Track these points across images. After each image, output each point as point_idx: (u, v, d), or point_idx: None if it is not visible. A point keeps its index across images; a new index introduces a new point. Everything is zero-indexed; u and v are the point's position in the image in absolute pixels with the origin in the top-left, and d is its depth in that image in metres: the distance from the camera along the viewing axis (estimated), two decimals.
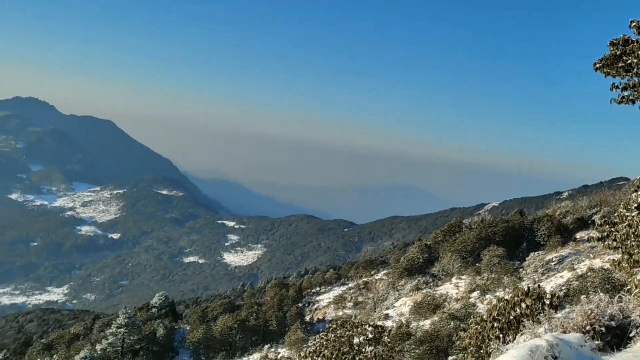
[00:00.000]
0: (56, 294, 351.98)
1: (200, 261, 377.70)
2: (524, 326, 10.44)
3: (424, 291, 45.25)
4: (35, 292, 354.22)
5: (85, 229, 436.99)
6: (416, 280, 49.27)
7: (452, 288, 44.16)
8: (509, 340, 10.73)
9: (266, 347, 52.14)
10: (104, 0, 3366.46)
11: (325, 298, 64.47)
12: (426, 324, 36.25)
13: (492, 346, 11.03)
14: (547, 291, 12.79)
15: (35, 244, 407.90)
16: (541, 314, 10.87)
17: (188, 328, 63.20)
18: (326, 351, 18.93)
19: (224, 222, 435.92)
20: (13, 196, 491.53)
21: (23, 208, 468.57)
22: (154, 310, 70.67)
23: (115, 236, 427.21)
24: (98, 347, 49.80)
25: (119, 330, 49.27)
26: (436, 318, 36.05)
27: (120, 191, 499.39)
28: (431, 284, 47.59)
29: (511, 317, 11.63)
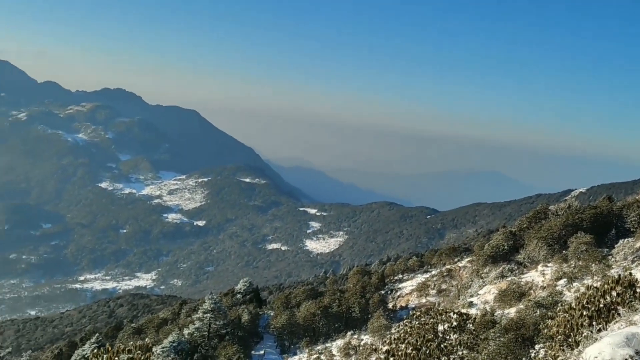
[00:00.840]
0: (145, 280, 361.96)
1: (282, 248, 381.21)
2: (618, 314, 10.13)
3: (508, 279, 44.43)
4: (125, 277, 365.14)
5: (171, 217, 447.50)
6: (501, 268, 48.42)
7: (538, 276, 43.19)
8: (600, 329, 10.43)
9: (349, 333, 52.23)
10: None
11: (408, 285, 64.08)
12: (511, 312, 35.62)
13: (582, 334, 10.74)
14: (639, 279, 12.37)
15: (125, 231, 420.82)
16: (634, 302, 10.53)
17: (272, 314, 64.02)
18: (410, 338, 18.84)
19: (306, 209, 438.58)
20: (103, 185, 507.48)
21: (113, 196, 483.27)
22: (238, 296, 71.88)
23: (201, 223, 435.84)
24: (185, 331, 50.94)
25: (205, 315, 50.25)
26: (522, 306, 35.35)
27: (205, 179, 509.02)
28: (516, 271, 46.68)
29: (601, 305, 11.30)
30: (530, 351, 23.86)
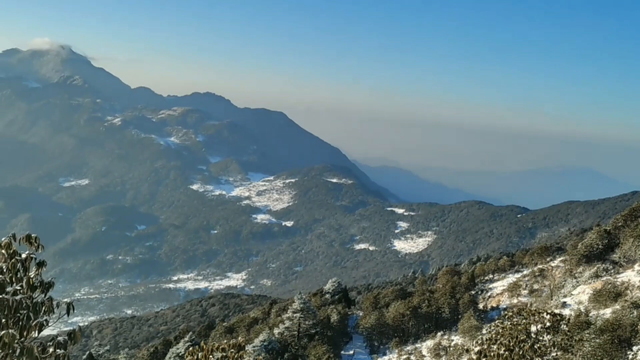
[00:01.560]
0: (235, 280, 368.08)
1: (370, 248, 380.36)
2: None
3: (603, 279, 43.17)
4: (217, 277, 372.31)
5: (260, 217, 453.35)
6: (595, 268, 47.09)
7: (635, 275, 41.79)
8: None
9: (439, 334, 51.88)
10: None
11: (499, 285, 63.14)
12: (607, 312, 34.65)
13: None
14: None
15: (216, 232, 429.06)
16: None
17: (361, 314, 64.13)
18: (502, 339, 18.59)
19: (393, 209, 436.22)
20: (194, 187, 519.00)
21: (204, 198, 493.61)
22: (327, 296, 72.31)
23: (289, 224, 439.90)
24: (276, 331, 51.69)
25: (294, 315, 50.86)
26: (618, 307, 34.35)
27: (293, 180, 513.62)
28: (611, 271, 45.30)
29: None
30: (628, 353, 23.18)
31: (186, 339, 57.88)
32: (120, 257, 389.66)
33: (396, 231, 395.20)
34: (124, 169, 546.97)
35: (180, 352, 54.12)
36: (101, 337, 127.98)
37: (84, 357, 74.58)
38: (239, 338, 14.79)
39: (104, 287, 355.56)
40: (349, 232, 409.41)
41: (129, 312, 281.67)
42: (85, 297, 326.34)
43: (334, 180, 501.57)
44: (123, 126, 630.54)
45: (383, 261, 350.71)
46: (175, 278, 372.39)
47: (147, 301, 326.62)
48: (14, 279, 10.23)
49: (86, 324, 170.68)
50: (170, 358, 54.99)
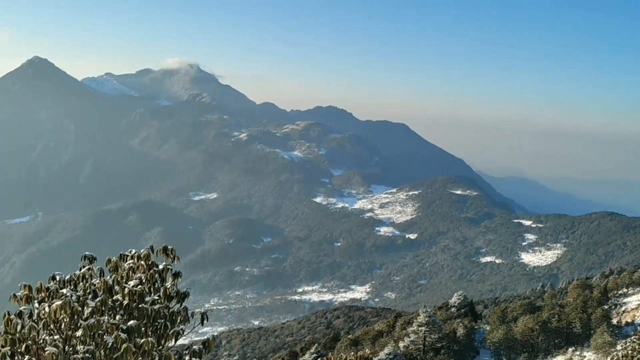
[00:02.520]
0: (359, 292, 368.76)
1: (497, 261, 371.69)
2: None
3: None
4: (341, 290, 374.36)
5: (383, 230, 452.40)
6: None
7: None
8: None
9: (570, 349, 50.11)
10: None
11: (634, 300, 60.36)
12: None
13: None
14: None
15: (339, 244, 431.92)
16: None
17: (488, 328, 62.84)
18: (639, 355, 17.81)
19: (520, 221, 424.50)
20: (318, 200, 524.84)
21: (327, 211, 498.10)
22: (453, 309, 71.31)
23: (412, 236, 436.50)
24: (401, 344, 51.43)
25: (420, 328, 50.47)
26: None
27: (416, 192, 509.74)
28: None
29: None
30: None
31: (312, 350, 58.51)
32: (247, 269, 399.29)
33: (523, 244, 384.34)
34: (250, 183, 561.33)
35: None
36: (230, 347, 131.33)
37: None
38: (366, 350, 14.93)
39: (232, 299, 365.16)
40: (474, 244, 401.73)
41: (256, 323, 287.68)
42: (214, 307, 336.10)
43: (458, 192, 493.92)
44: (249, 141, 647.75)
45: (510, 274, 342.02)
46: (300, 290, 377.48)
47: (274, 312, 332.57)
48: (152, 289, 10.77)
49: (215, 334, 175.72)
50: None
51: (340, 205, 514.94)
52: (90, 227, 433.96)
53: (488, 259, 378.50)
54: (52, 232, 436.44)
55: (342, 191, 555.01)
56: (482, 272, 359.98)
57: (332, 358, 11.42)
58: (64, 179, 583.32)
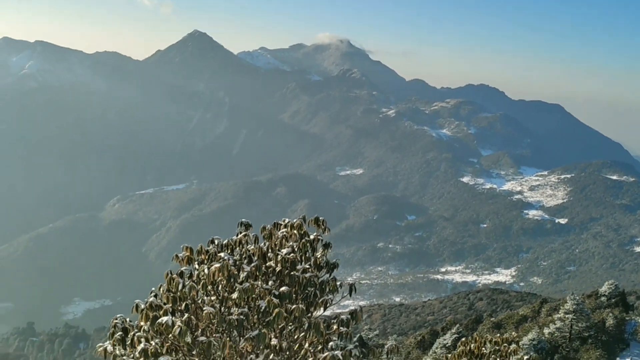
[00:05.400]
0: (504, 275, 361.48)
1: None
2: None
3: None
4: (485, 272, 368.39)
5: (532, 213, 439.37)
6: None
7: None
8: None
9: None
10: None
11: None
12: None
13: None
14: None
15: (485, 225, 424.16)
16: None
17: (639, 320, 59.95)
18: None
19: None
20: (465, 179, 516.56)
21: (474, 191, 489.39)
22: (602, 298, 68.49)
23: (562, 221, 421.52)
24: (546, 330, 50.07)
25: (566, 316, 48.89)
26: None
27: (568, 176, 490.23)
28: None
29: None
30: None
31: (453, 330, 58.16)
32: (390, 246, 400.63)
33: None
34: (396, 160, 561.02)
35: (447, 343, 54.52)
36: (371, 322, 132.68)
37: (355, 339, 78.07)
38: (512, 334, 14.74)
39: (374, 274, 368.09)
40: (628, 232, 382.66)
41: (397, 299, 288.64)
42: (356, 282, 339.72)
43: (614, 177, 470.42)
44: (397, 118, 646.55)
45: None
46: (443, 269, 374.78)
47: (415, 290, 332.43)
48: (303, 258, 11.15)
49: (357, 308, 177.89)
50: (437, 348, 55.64)
51: (488, 185, 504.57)
52: (241, 196, 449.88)
53: None
54: (206, 199, 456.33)
55: (490, 172, 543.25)
56: (636, 261, 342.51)
57: (477, 337, 11.39)
58: (217, 150, 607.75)
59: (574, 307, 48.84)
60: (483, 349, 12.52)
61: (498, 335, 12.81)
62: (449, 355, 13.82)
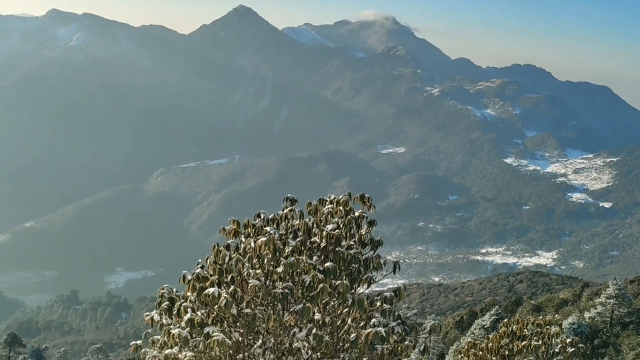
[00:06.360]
0: (545, 258, 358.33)
1: None
2: None
3: None
4: (526, 254, 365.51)
5: (576, 196, 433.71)
6: None
7: None
8: None
9: None
10: None
11: None
12: None
13: None
14: None
15: (527, 207, 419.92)
16: None
17: None
18: None
19: None
20: (508, 160, 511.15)
21: (517, 172, 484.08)
22: None
23: (607, 205, 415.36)
24: (586, 315, 49.72)
25: (608, 300, 48.47)
26: None
27: (614, 159, 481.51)
28: None
29: None
30: None
31: (492, 312, 58.03)
32: (430, 225, 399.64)
33: None
34: (439, 139, 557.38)
35: (486, 324, 54.43)
36: (409, 301, 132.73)
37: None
38: (555, 316, 14.73)
39: (413, 253, 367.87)
40: None
41: (436, 279, 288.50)
42: (395, 260, 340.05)
43: None
44: (441, 97, 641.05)
45: None
46: (483, 251, 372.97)
47: (455, 270, 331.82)
48: (348, 234, 11.25)
49: (400, 286, 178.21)
50: (475, 329, 55.57)
51: (531, 167, 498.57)
52: (282, 172, 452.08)
53: None
54: (247, 174, 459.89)
55: (534, 153, 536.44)
56: None
57: (520, 319, 11.41)
58: (259, 125, 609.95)
59: (616, 292, 48.35)
60: (525, 330, 12.56)
61: (540, 317, 12.81)
62: (490, 336, 13.90)
